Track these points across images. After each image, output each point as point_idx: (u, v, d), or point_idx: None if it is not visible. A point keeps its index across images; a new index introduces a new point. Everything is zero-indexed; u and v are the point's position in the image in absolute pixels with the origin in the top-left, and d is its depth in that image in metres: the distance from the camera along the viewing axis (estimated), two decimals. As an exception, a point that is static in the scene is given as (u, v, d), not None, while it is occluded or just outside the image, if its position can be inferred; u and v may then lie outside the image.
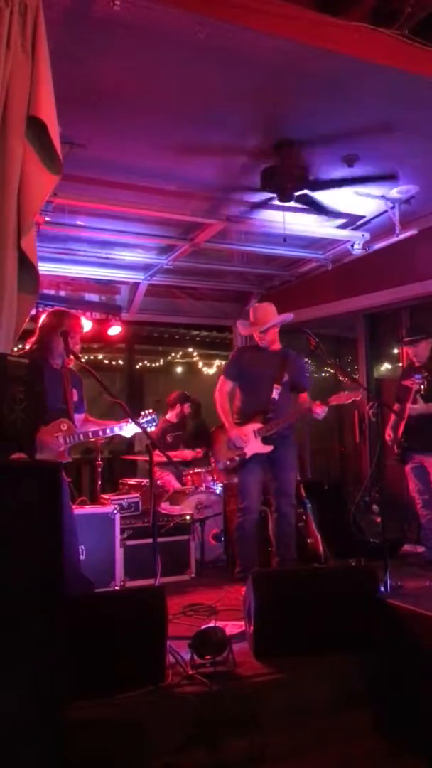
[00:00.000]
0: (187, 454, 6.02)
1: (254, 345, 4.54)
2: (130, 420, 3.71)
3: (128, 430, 3.83)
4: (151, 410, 4.04)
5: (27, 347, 3.77)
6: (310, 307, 6.74)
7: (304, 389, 4.43)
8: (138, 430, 3.73)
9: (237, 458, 4.29)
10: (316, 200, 4.49)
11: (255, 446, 4.27)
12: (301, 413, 4.33)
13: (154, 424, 4.04)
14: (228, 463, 4.33)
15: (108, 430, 3.83)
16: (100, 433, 3.84)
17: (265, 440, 4.26)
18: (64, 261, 5.78)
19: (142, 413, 4.00)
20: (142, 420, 3.89)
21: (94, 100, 3.36)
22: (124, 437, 3.95)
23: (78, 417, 3.89)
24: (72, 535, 3.67)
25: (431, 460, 4.81)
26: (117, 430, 3.83)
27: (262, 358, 4.42)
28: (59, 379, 3.73)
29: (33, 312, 3.95)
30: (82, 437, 3.73)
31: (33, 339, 3.77)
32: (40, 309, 5.20)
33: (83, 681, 2.44)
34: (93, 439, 3.94)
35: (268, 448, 4.27)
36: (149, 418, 3.98)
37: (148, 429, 3.87)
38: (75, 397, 3.82)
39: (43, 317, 3.84)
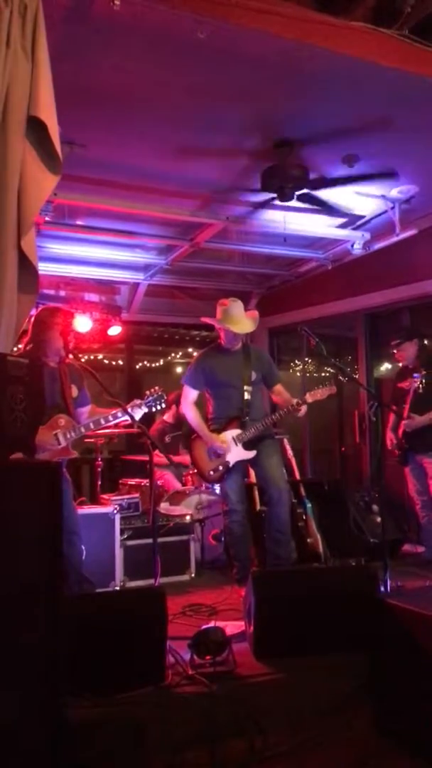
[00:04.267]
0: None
1: (215, 347, 4.36)
2: (128, 407, 3.67)
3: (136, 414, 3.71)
4: (157, 387, 3.86)
5: (21, 346, 3.75)
6: (310, 307, 6.75)
7: (275, 382, 4.35)
8: (138, 415, 3.67)
9: (221, 468, 4.18)
10: (319, 198, 4.46)
11: (237, 454, 4.17)
12: (280, 416, 4.26)
13: (163, 401, 3.88)
14: (212, 473, 4.22)
15: (110, 417, 3.73)
16: (102, 421, 3.74)
17: (246, 445, 4.17)
18: (64, 261, 5.78)
19: (148, 392, 3.85)
20: (148, 399, 3.80)
21: (95, 101, 3.36)
22: (128, 431, 3.82)
23: (83, 410, 3.87)
24: (73, 535, 3.67)
25: (430, 461, 4.83)
26: (120, 416, 3.72)
27: (228, 360, 4.26)
28: (56, 376, 3.73)
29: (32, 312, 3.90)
30: (83, 430, 3.70)
31: (27, 338, 3.73)
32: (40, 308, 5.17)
33: (83, 681, 2.44)
34: (95, 429, 3.83)
35: (251, 454, 4.17)
36: (156, 396, 3.83)
37: (157, 408, 3.80)
38: (75, 393, 3.80)
39: (34, 315, 3.77)
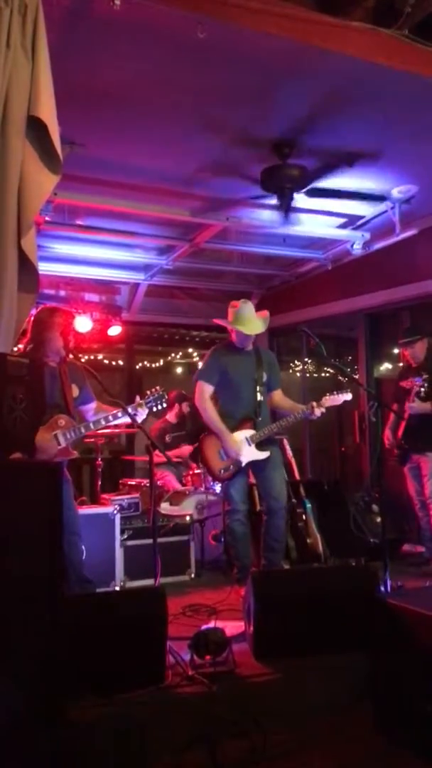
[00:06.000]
0: (185, 450, 6.00)
1: (228, 345, 4.35)
2: (130, 408, 3.66)
3: (139, 416, 3.70)
4: (158, 387, 3.84)
5: (21, 346, 3.73)
6: (310, 307, 6.75)
7: (276, 387, 4.36)
8: (140, 417, 3.68)
9: (232, 467, 4.16)
10: (328, 189, 4.44)
11: (250, 454, 4.15)
12: (295, 418, 4.23)
13: (163, 401, 3.85)
14: (222, 471, 4.20)
15: (110, 417, 3.72)
16: (102, 422, 3.72)
17: (259, 446, 4.17)
18: (64, 261, 5.78)
19: (148, 392, 3.83)
20: (149, 398, 3.79)
21: (94, 100, 3.36)
22: (128, 431, 3.80)
23: (88, 407, 3.87)
24: (74, 535, 3.67)
25: (426, 459, 4.83)
26: (120, 416, 3.71)
27: (240, 359, 4.26)
28: (57, 376, 3.72)
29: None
30: (83, 430, 3.69)
31: (26, 338, 3.71)
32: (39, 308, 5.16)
33: (83, 681, 2.44)
34: (95, 430, 3.82)
35: (265, 455, 4.16)
36: (157, 395, 3.80)
37: (158, 408, 3.79)
38: (75, 392, 3.80)
39: (34, 315, 3.74)
